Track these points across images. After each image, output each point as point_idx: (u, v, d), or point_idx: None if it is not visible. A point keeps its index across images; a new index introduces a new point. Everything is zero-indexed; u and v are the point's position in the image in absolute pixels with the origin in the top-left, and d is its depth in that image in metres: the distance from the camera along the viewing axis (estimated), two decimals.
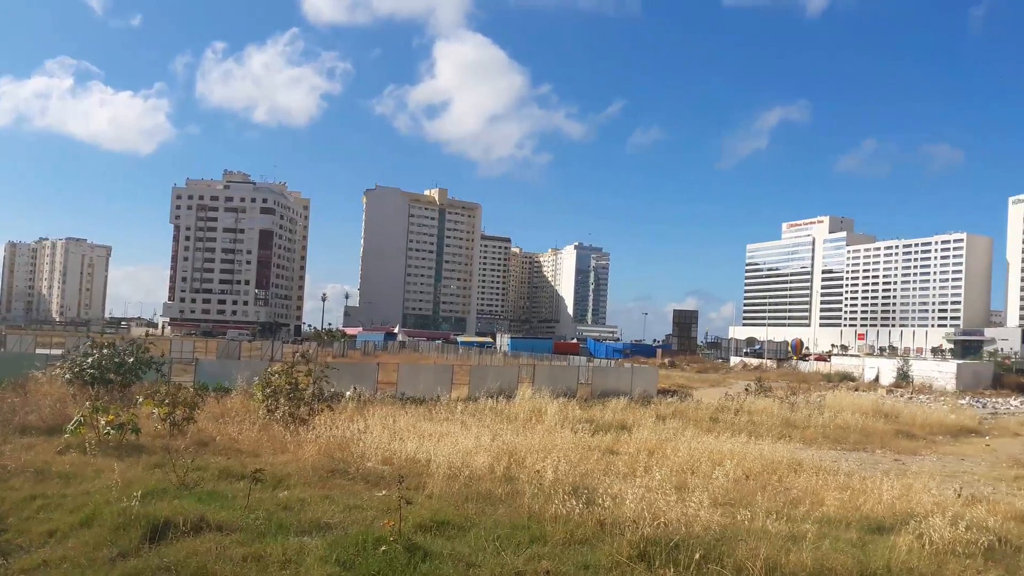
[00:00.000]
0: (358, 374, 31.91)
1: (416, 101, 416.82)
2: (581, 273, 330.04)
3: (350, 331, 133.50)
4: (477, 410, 24.13)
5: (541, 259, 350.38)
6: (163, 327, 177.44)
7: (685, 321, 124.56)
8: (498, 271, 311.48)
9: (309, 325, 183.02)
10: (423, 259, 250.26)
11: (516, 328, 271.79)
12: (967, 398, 48.27)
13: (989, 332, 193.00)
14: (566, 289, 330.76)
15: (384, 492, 10.25)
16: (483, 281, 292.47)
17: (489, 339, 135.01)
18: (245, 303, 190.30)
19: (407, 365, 39.61)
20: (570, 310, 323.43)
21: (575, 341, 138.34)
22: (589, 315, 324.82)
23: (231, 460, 13.74)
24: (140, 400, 17.59)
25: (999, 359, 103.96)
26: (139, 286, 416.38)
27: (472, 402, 26.75)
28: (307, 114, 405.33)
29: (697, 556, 8.15)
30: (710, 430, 22.78)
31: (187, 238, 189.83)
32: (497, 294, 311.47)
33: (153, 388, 19.80)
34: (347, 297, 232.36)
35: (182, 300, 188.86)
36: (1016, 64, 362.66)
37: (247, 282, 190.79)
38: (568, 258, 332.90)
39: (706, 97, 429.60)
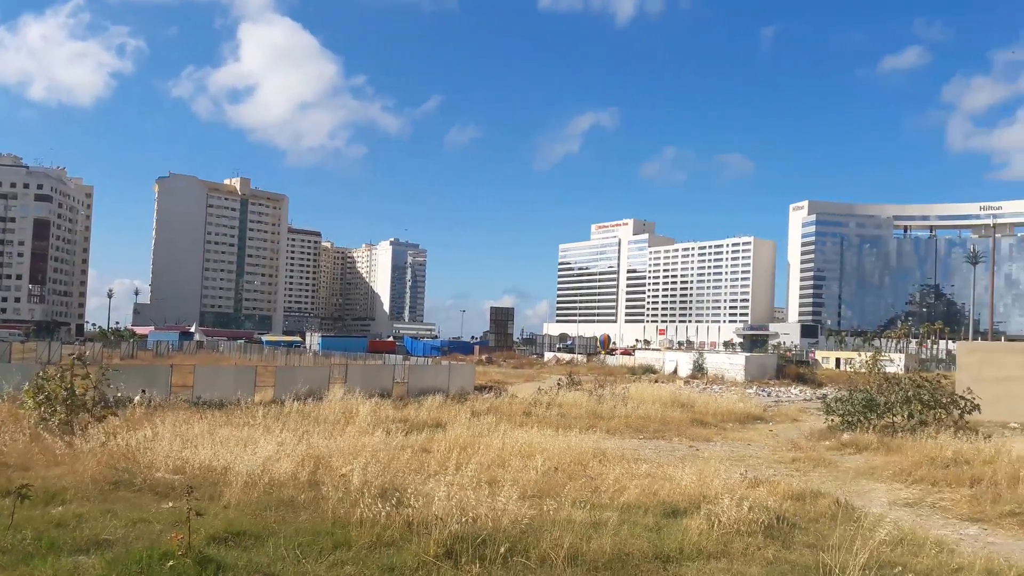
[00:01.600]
0: (149, 377, 29.74)
1: (218, 85, 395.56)
2: (397, 270, 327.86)
3: (140, 330, 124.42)
4: (283, 413, 23.23)
5: (355, 255, 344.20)
6: None
7: (502, 318, 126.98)
8: (308, 266, 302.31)
9: (94, 324, 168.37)
10: (223, 253, 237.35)
11: (328, 326, 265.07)
12: (754, 388, 52.89)
13: (773, 327, 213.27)
14: (382, 286, 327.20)
15: (173, 504, 9.62)
16: (291, 277, 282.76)
17: (298, 338, 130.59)
18: (17, 300, 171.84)
19: (204, 367, 37.48)
20: (386, 307, 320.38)
21: (391, 339, 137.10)
22: (406, 312, 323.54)
23: None
24: None
25: (782, 352, 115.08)
26: None
27: (278, 405, 25.73)
28: (92, 93, 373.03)
29: (503, 550, 8.35)
30: (523, 424, 23.31)
31: None
32: (307, 291, 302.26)
33: None
34: (137, 294, 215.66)
35: None
36: (799, 82, 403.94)
37: (19, 276, 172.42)
38: (384, 254, 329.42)
39: (522, 98, 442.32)
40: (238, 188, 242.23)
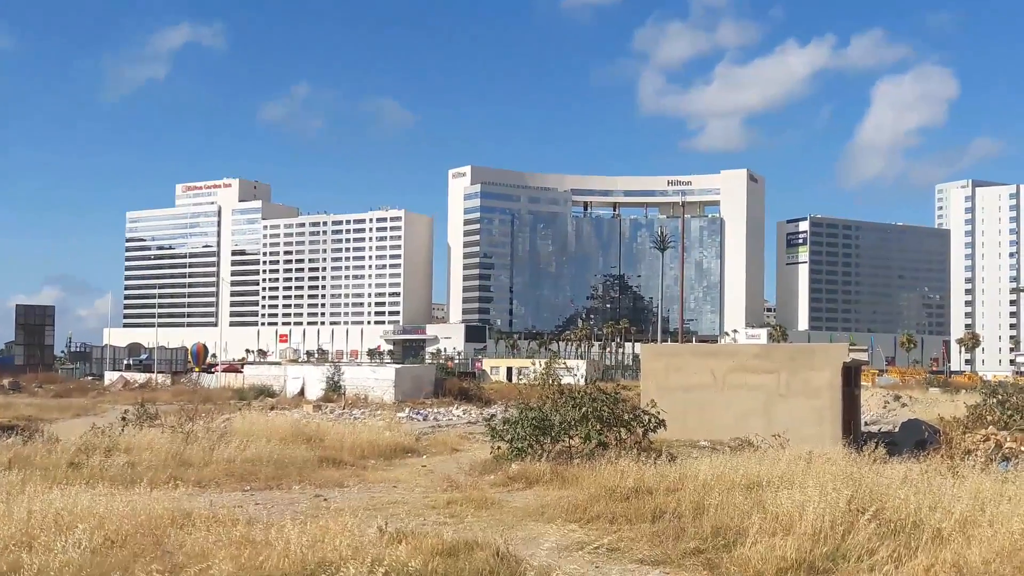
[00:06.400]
0: None
1: None
2: None
3: None
4: None
5: None
6: None
7: (36, 322, 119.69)
8: None
9: None
10: None
11: None
12: (407, 410, 55.47)
13: (432, 329, 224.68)
14: None
15: None
16: None
17: None
18: None
19: None
20: None
21: None
22: None
23: None
24: None
25: (442, 361, 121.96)
26: None
27: None
28: None
29: None
30: (68, 481, 21.93)
31: None
32: None
33: None
34: None
35: None
36: (464, 18, 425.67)
37: None
38: None
39: None
40: None
